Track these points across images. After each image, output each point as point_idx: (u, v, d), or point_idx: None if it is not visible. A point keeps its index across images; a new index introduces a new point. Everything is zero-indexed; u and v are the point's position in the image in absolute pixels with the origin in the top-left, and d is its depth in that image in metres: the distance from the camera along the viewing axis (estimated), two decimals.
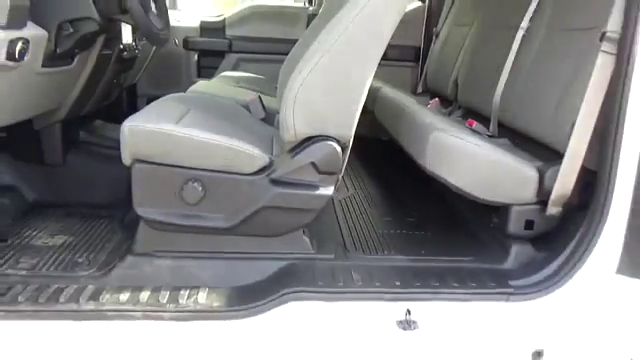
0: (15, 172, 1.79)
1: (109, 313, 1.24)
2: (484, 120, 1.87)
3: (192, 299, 1.29)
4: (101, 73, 1.81)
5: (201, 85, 2.08)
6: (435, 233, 1.62)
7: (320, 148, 1.32)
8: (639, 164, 1.24)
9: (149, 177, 1.32)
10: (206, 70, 2.79)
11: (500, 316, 1.29)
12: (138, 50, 2.01)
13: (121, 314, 1.24)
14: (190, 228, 1.35)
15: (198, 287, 1.32)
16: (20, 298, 1.26)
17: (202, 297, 1.29)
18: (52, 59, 1.43)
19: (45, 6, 1.35)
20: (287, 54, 1.82)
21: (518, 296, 1.29)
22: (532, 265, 1.37)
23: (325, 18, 1.49)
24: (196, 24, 2.81)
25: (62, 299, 1.26)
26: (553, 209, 1.39)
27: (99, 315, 1.24)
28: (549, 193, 1.37)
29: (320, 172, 1.33)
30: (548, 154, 1.47)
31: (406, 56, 2.86)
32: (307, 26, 2.75)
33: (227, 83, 2.29)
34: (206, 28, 2.81)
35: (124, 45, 1.84)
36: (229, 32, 2.84)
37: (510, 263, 1.40)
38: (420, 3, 2.90)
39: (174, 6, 2.98)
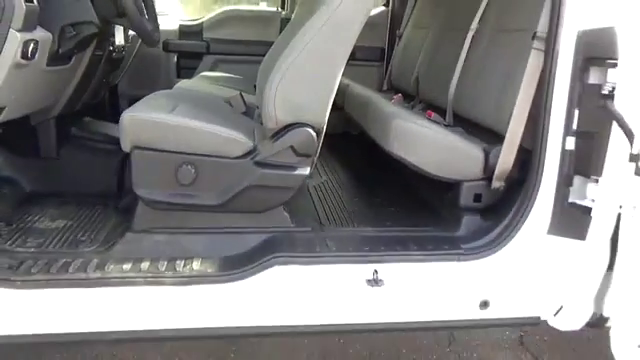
0: (13, 165, 1.94)
1: (114, 280, 1.43)
2: (441, 112, 2.14)
3: (188, 267, 1.49)
4: (93, 72, 2.00)
5: (185, 83, 2.28)
6: (398, 209, 1.86)
7: (298, 134, 1.54)
8: (562, 144, 1.50)
9: (147, 161, 1.52)
10: (185, 71, 2.98)
11: (452, 273, 1.53)
12: (125, 51, 2.20)
13: (125, 281, 1.43)
14: (184, 206, 1.55)
15: (192, 257, 1.52)
16: (33, 270, 1.43)
17: (196, 265, 1.49)
18: (55, 59, 1.61)
19: (50, 11, 1.53)
20: (262, 55, 2.04)
21: (467, 256, 1.54)
22: (479, 231, 1.62)
23: (299, 22, 1.72)
24: (175, 27, 3.01)
25: (71, 270, 1.44)
26: (497, 183, 1.64)
27: (105, 282, 1.42)
28: (493, 170, 1.63)
29: (298, 154, 1.55)
30: (493, 138, 1.72)
31: (372, 56, 3.12)
32: (280, 29, 2.98)
33: (207, 82, 2.49)
34: (184, 31, 3.01)
35: (114, 46, 2.03)
36: (206, 35, 3.05)
37: (462, 231, 1.65)
38: (384, 8, 3.17)
39: None
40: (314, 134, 1.55)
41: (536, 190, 1.53)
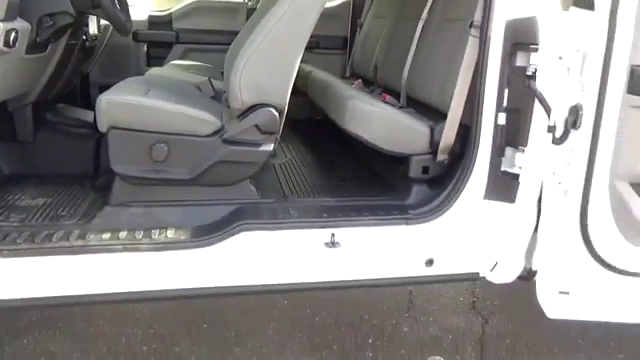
0: None
1: (95, 247, 1.58)
2: (396, 95, 2.34)
3: (162, 235, 1.65)
4: (67, 60, 2.12)
5: (156, 70, 2.43)
6: (355, 182, 2.06)
7: (262, 113, 1.72)
8: (495, 119, 1.71)
9: (123, 140, 1.67)
10: (155, 60, 3.11)
11: (401, 235, 1.74)
12: (97, 40, 2.32)
13: (105, 248, 1.58)
14: (158, 181, 1.71)
15: (166, 227, 1.69)
16: (18, 240, 1.57)
17: (170, 233, 1.66)
18: (33, 47, 1.74)
19: (29, 2, 1.65)
20: (229, 44, 2.20)
21: (414, 220, 1.74)
22: (426, 199, 1.83)
23: (262, 12, 1.89)
24: (144, 18, 3.13)
25: (54, 239, 1.59)
26: (441, 156, 1.85)
27: (87, 250, 1.57)
28: (438, 144, 1.84)
29: (262, 132, 1.73)
30: (439, 116, 1.93)
31: (335, 45, 3.31)
32: (246, 19, 3.13)
33: (178, 70, 2.63)
34: (154, 22, 3.13)
35: (87, 36, 2.16)
36: (176, 25, 3.18)
37: (411, 199, 1.85)
38: None
39: None
40: (276, 114, 1.73)
41: (473, 161, 1.74)
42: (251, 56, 1.67)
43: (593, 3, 1.48)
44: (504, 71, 1.67)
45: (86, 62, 2.40)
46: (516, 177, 1.69)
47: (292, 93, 1.84)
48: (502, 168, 1.72)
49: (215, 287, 1.65)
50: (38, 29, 1.72)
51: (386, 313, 2.63)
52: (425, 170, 1.88)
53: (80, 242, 1.58)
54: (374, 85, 2.71)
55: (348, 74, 3.15)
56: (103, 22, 2.43)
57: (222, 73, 2.26)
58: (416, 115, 2.00)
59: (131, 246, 1.60)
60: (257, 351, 2.27)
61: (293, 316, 2.55)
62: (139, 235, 1.63)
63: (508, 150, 1.71)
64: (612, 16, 1.44)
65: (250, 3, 3.37)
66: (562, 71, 1.55)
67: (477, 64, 1.74)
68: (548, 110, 1.55)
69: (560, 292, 1.66)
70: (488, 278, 1.83)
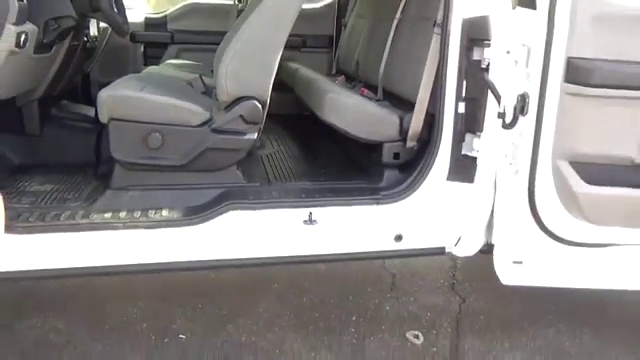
0: (1, 142, 2.29)
1: (98, 225, 1.80)
2: (375, 89, 2.56)
3: (158, 214, 1.87)
4: (70, 60, 2.35)
5: (152, 69, 2.65)
6: (334, 168, 2.29)
7: (246, 105, 1.94)
8: (455, 108, 1.93)
9: (122, 130, 1.89)
10: (151, 59, 3.33)
11: (372, 214, 1.95)
12: (97, 42, 2.55)
13: (107, 225, 1.80)
14: (153, 167, 1.93)
15: (162, 207, 1.91)
16: (30, 219, 1.80)
17: (165, 213, 1.88)
18: (40, 48, 1.97)
19: (36, 7, 1.87)
20: (220, 44, 2.42)
21: (384, 200, 1.96)
22: (397, 182, 2.05)
23: (246, 14, 2.11)
24: (141, 20, 3.36)
25: (62, 218, 1.81)
26: (410, 143, 2.07)
27: (91, 227, 1.80)
28: (407, 132, 2.06)
29: (246, 122, 1.95)
30: (411, 107, 2.15)
31: (321, 43, 3.54)
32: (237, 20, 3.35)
33: (172, 68, 2.85)
34: (150, 23, 3.36)
35: (88, 37, 2.39)
36: (170, 26, 3.41)
37: (384, 183, 2.07)
38: (331, 0, 3.59)
39: None
40: (259, 105, 1.95)
41: (437, 146, 1.96)
42: (235, 53, 1.90)
43: (535, 3, 1.70)
44: (462, 64, 1.88)
45: (87, 62, 2.62)
46: (474, 160, 1.90)
47: (280, 90, 2.06)
48: (462, 152, 1.93)
49: (205, 260, 1.87)
50: (44, 31, 1.94)
51: (370, 293, 2.85)
52: (396, 156, 2.10)
53: (85, 220, 1.80)
54: (356, 81, 2.93)
55: (334, 71, 3.37)
56: (102, 25, 2.65)
57: (212, 71, 2.49)
58: (388, 106, 2.22)
59: (130, 224, 1.82)
60: (248, 328, 2.49)
61: (282, 296, 2.78)
62: (137, 215, 1.85)
63: (467, 136, 1.92)
64: (550, 14, 1.66)
65: (240, 5, 3.60)
66: (510, 64, 1.76)
67: (439, 59, 1.95)
68: (498, 98, 1.77)
69: (514, 262, 1.88)
70: (453, 252, 2.05)
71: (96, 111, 2.21)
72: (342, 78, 2.95)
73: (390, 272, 3.12)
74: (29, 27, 1.82)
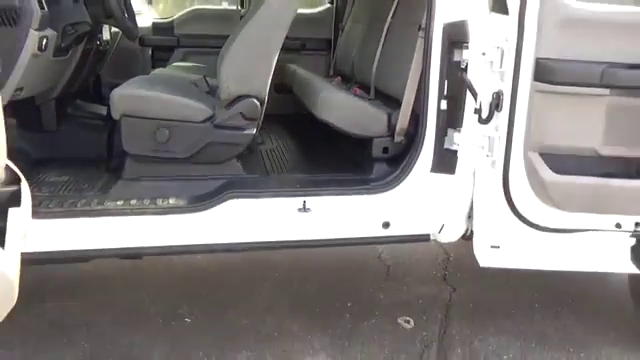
0: (21, 137, 2.49)
1: (111, 211, 2.00)
2: (368, 89, 2.75)
3: (165, 202, 2.06)
4: (84, 62, 2.56)
5: (159, 71, 2.86)
6: (327, 161, 2.48)
7: (246, 103, 2.14)
8: (438, 105, 2.11)
9: (133, 126, 2.09)
10: (159, 62, 3.54)
11: (362, 203, 2.13)
12: (109, 45, 2.76)
13: (120, 211, 2.00)
14: (161, 159, 2.13)
15: (169, 196, 2.10)
16: (50, 205, 2.00)
17: (172, 201, 2.07)
18: (58, 51, 2.18)
19: (55, 14, 2.09)
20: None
21: (373, 190, 2.14)
22: (386, 174, 2.23)
23: (246, 20, 2.31)
24: (149, 24, 3.57)
25: (79, 205, 2.02)
26: (398, 138, 2.26)
27: (105, 213, 1.99)
28: (395, 128, 2.25)
29: (246, 119, 2.15)
30: (400, 105, 2.34)
31: (320, 46, 3.74)
32: None
33: (178, 70, 3.06)
34: (157, 28, 3.58)
35: (100, 41, 2.60)
36: (177, 31, 3.62)
37: (373, 175, 2.25)
38: (330, 5, 3.80)
39: None
40: (258, 103, 2.15)
41: (422, 141, 2.14)
42: (236, 56, 2.11)
43: (507, 9, 1.89)
44: (444, 65, 2.06)
45: (99, 64, 2.84)
46: (455, 153, 2.08)
47: (279, 91, 2.23)
48: (445, 146, 2.11)
49: (208, 244, 2.07)
50: (63, 36, 2.15)
51: (365, 283, 3.04)
52: (385, 150, 2.28)
53: (99, 207, 2.01)
54: (351, 82, 3.12)
55: (332, 73, 3.57)
56: (114, 29, 2.87)
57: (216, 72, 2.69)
58: (378, 104, 2.41)
59: (140, 210, 2.01)
60: (248, 313, 2.68)
61: (281, 284, 2.98)
62: (146, 202, 2.05)
63: (449, 131, 2.10)
64: (520, 19, 1.84)
65: (243, 10, 3.81)
66: (486, 64, 1.95)
67: (423, 60, 2.14)
68: (475, 96, 1.96)
69: (492, 246, 2.05)
70: (437, 239, 2.23)
71: (108, 109, 2.43)
72: (339, 79, 3.15)
73: (385, 264, 3.31)
74: (49, 32, 2.03)
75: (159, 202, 2.06)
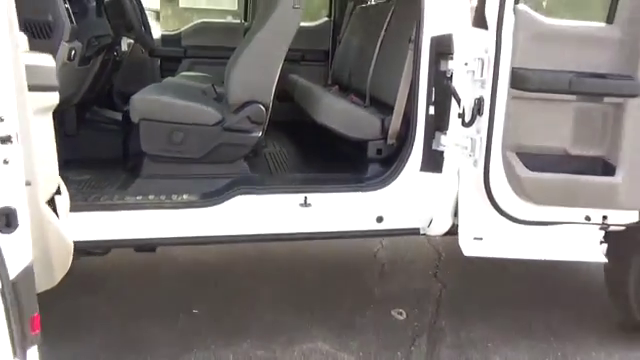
0: None
1: (131, 205, 2.24)
2: (364, 96, 3.01)
3: (180, 198, 2.30)
4: (103, 72, 2.81)
5: (170, 79, 3.11)
6: (326, 162, 2.73)
7: (252, 108, 2.39)
8: (426, 111, 2.36)
9: (150, 128, 2.34)
10: (167, 72, 3.80)
11: (358, 199, 2.37)
12: (125, 56, 3.02)
13: (139, 205, 2.24)
14: (176, 159, 2.37)
15: (183, 192, 2.34)
16: (75, 200, 2.23)
17: (186, 196, 2.31)
18: (82, 61, 2.43)
19: (81, 28, 2.34)
20: (228, 58, 2.88)
21: (368, 188, 2.38)
22: (380, 173, 2.48)
23: (253, 32, 2.57)
24: (158, 37, 3.84)
25: (102, 200, 2.25)
26: (390, 141, 2.51)
27: (125, 207, 2.23)
28: (388, 131, 2.50)
29: (252, 122, 2.40)
30: (392, 111, 2.59)
31: (319, 57, 4.03)
32: (243, 36, 3.83)
33: (187, 79, 3.32)
34: (166, 40, 3.85)
35: (117, 52, 2.86)
36: (184, 42, 3.89)
37: (368, 174, 2.50)
38: (327, 19, 4.09)
39: None
40: (263, 108, 2.41)
41: (412, 143, 2.39)
42: (244, 65, 2.36)
43: (487, 25, 2.15)
44: (431, 74, 2.31)
45: (115, 73, 3.09)
46: (442, 153, 2.33)
47: (281, 99, 2.46)
48: (433, 147, 2.36)
49: (219, 235, 2.30)
50: (87, 47, 2.41)
51: (361, 279, 3.28)
52: (379, 151, 2.53)
53: (120, 202, 2.24)
54: (348, 90, 3.38)
55: (330, 82, 3.83)
56: (129, 41, 3.13)
57: (222, 81, 2.94)
58: (372, 110, 2.67)
59: (157, 205, 2.25)
60: (252, 306, 2.91)
61: (283, 281, 3.21)
62: (163, 198, 2.28)
63: (436, 133, 2.35)
64: (498, 34, 2.10)
65: (246, 24, 4.09)
66: (469, 73, 2.20)
67: (413, 70, 2.39)
68: (459, 102, 2.21)
69: (475, 238, 2.29)
70: (426, 232, 2.47)
71: (123, 115, 2.68)
72: (336, 88, 3.41)
73: (380, 262, 3.55)
74: (77, 44, 2.29)
75: (174, 197, 2.30)
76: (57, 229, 1.37)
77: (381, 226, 2.41)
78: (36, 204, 1.22)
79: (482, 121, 2.19)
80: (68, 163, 2.71)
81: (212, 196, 2.31)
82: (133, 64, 3.64)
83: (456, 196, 2.36)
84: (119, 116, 2.95)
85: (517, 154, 2.16)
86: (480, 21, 2.18)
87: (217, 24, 4.07)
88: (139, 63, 3.71)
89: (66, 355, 2.33)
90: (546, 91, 2.10)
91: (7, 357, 1.09)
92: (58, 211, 1.46)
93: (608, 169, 2.14)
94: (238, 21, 4.27)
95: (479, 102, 2.18)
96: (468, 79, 2.21)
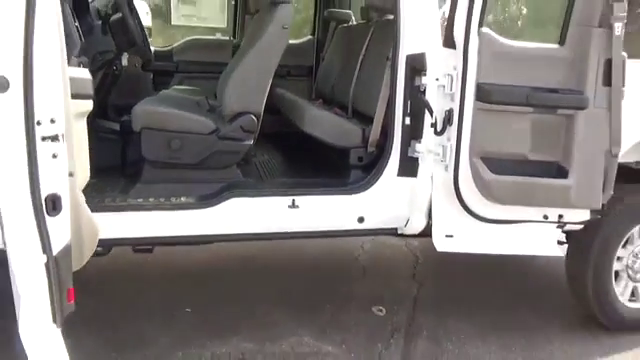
0: None
1: (132, 206, 2.46)
2: (346, 109, 3.29)
3: (178, 200, 2.53)
4: (103, 84, 3.04)
5: (165, 92, 3.35)
6: (311, 168, 2.99)
7: (245, 118, 2.64)
8: (403, 121, 2.64)
9: (151, 136, 2.57)
10: (159, 86, 4.03)
11: (341, 202, 2.63)
12: (123, 70, 3.26)
13: (139, 206, 2.46)
14: (174, 165, 2.60)
15: (181, 195, 2.57)
16: None
17: (183, 199, 2.54)
18: None
19: (89, 44, 2.58)
20: (218, 72, 3.13)
21: (351, 191, 2.64)
22: (361, 178, 2.74)
23: (244, 49, 2.84)
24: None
25: (105, 202, 2.47)
26: (371, 149, 2.77)
27: (127, 207, 2.45)
28: (368, 140, 2.77)
29: (245, 131, 2.65)
30: (371, 121, 2.86)
31: (303, 73, 4.31)
32: (232, 53, 4.09)
33: (179, 92, 3.56)
34: (159, 55, 4.09)
35: (116, 67, 3.09)
36: (176, 58, 4.14)
37: (350, 179, 2.76)
38: (311, 37, 4.39)
39: None
40: (255, 118, 2.66)
41: (390, 151, 2.66)
42: (238, 79, 2.62)
43: (455, 45, 2.45)
44: (407, 89, 2.59)
45: (113, 86, 3.32)
46: (417, 160, 2.61)
47: (269, 112, 2.71)
48: (409, 154, 2.63)
49: (213, 234, 2.54)
50: (92, 62, 2.65)
51: (344, 280, 3.53)
52: (360, 159, 2.80)
53: (123, 203, 2.46)
54: (332, 103, 3.66)
55: (314, 96, 4.11)
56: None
57: (214, 94, 3.20)
58: (354, 121, 2.94)
59: (157, 206, 2.48)
60: (242, 304, 3.12)
61: (271, 280, 3.45)
62: (162, 200, 2.51)
63: (412, 142, 2.62)
64: (465, 53, 2.40)
65: (235, 41, 4.36)
66: (440, 88, 2.50)
67: (391, 85, 2.68)
68: (432, 113, 2.50)
69: (446, 235, 2.57)
70: (403, 232, 2.74)
71: (120, 125, 2.91)
72: (320, 101, 3.68)
73: (361, 265, 3.81)
74: (84, 59, 2.52)
75: (173, 200, 2.53)
76: (88, 214, 1.61)
77: (362, 226, 2.67)
78: (74, 192, 1.45)
79: (452, 130, 2.48)
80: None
81: (208, 199, 2.54)
82: (127, 78, 3.86)
83: (430, 198, 2.63)
84: (117, 126, 3.17)
85: (482, 159, 2.45)
86: (449, 42, 2.48)
87: (207, 41, 4.33)
88: (132, 77, 3.93)
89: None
90: (507, 104, 2.40)
91: (48, 321, 1.31)
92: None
93: (562, 172, 2.44)
94: (227, 38, 4.53)
95: (449, 113, 2.47)
96: (439, 93, 2.49)
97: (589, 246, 2.84)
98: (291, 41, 4.43)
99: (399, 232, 2.76)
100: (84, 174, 1.68)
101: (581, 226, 2.64)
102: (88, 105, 1.75)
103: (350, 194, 2.66)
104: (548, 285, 3.55)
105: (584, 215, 2.55)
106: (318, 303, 3.20)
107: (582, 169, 2.41)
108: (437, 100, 2.50)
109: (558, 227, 2.60)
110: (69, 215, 1.36)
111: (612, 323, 2.97)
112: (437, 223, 2.59)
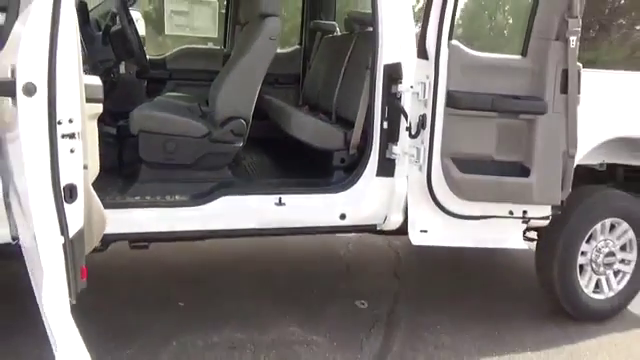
0: None
1: (131, 203, 2.68)
2: (331, 114, 3.54)
3: (173, 198, 2.76)
4: None
5: (160, 98, 3.58)
6: (297, 169, 3.23)
7: (235, 122, 2.88)
8: (381, 125, 2.90)
9: (148, 139, 2.80)
10: (153, 93, 4.26)
11: (325, 200, 2.87)
12: (120, 78, 3.49)
13: (137, 203, 2.69)
14: (169, 165, 2.83)
15: (175, 193, 2.80)
16: None
17: (178, 197, 2.77)
18: None
19: (90, 53, 2.82)
20: (208, 80, 3.36)
21: (333, 190, 2.88)
22: (343, 178, 2.99)
23: (234, 58, 3.09)
24: None
25: (106, 199, 2.68)
26: (352, 151, 3.02)
27: (126, 204, 2.67)
28: (350, 143, 3.02)
29: (235, 135, 2.88)
30: (353, 126, 3.11)
31: (290, 80, 4.56)
32: (222, 61, 4.33)
33: (172, 99, 3.79)
34: (152, 63, 4.31)
35: (114, 74, 3.32)
36: (169, 66, 4.38)
37: (333, 179, 3.00)
38: (298, 46, 4.65)
39: None
40: (244, 123, 2.90)
41: (369, 153, 2.90)
42: (229, 87, 2.86)
43: (427, 55, 2.71)
44: (385, 96, 2.84)
45: (110, 93, 3.54)
46: (394, 161, 2.86)
47: (257, 118, 2.96)
48: (386, 156, 2.88)
49: (206, 230, 2.77)
50: (93, 70, 2.88)
51: (328, 276, 3.77)
52: (342, 160, 3.04)
53: (122, 201, 2.69)
54: (317, 108, 3.92)
55: (301, 102, 4.36)
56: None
57: (206, 101, 3.43)
58: (337, 126, 3.20)
59: (153, 203, 2.70)
60: (232, 298, 3.35)
61: (260, 277, 3.68)
62: (158, 197, 2.74)
63: (389, 144, 2.87)
64: (436, 63, 2.66)
65: (225, 50, 4.61)
66: (414, 95, 2.76)
67: (370, 92, 2.93)
68: (407, 118, 2.76)
69: (421, 230, 2.82)
70: (382, 228, 2.99)
71: (118, 129, 3.14)
72: (307, 107, 3.94)
73: (345, 262, 4.05)
74: (86, 67, 2.76)
75: (167, 198, 2.75)
76: (98, 204, 1.84)
77: (344, 222, 2.91)
78: (87, 183, 1.69)
79: (425, 134, 2.73)
80: None
81: (200, 197, 2.77)
82: (121, 84, 4.09)
83: (406, 196, 2.89)
84: (113, 130, 3.39)
85: (453, 160, 2.71)
86: (422, 53, 2.74)
87: (199, 50, 4.57)
88: (127, 84, 4.16)
89: None
90: (474, 109, 2.67)
91: (64, 295, 1.54)
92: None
93: (524, 171, 2.71)
94: (218, 47, 4.78)
95: (422, 118, 2.73)
96: (413, 100, 2.76)
97: (555, 241, 3.11)
98: (279, 50, 4.69)
99: (378, 228, 3.01)
100: (95, 168, 1.92)
101: (544, 221, 2.90)
102: (99, 108, 1.99)
103: (333, 193, 2.90)
104: (519, 280, 3.81)
105: (546, 211, 2.82)
106: (305, 297, 3.44)
107: (542, 169, 2.68)
108: (412, 106, 2.76)
109: (523, 222, 2.86)
110: (83, 203, 1.59)
111: (578, 313, 3.24)
112: (412, 219, 2.85)
